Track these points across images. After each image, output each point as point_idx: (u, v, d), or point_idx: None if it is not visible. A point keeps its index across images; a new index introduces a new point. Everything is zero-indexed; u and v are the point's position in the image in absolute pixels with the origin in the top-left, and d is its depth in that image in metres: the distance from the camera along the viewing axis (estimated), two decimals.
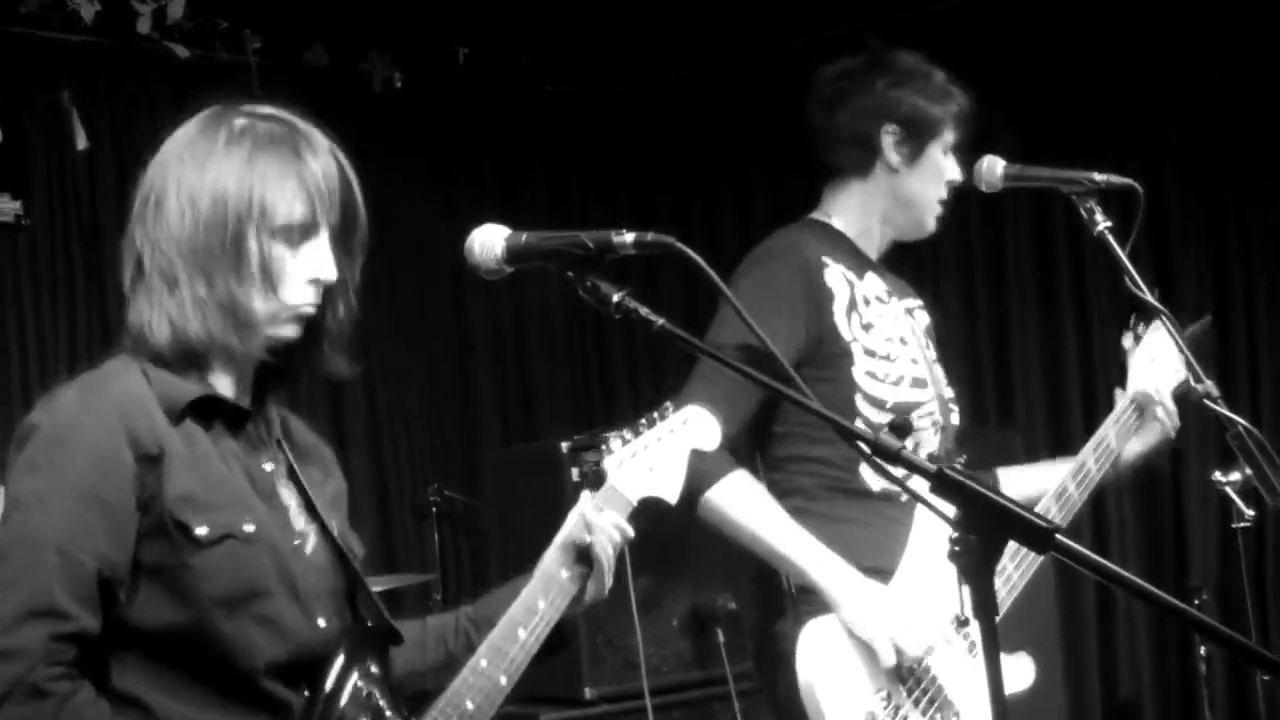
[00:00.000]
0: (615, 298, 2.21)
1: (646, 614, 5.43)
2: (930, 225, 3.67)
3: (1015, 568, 3.47)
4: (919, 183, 3.60)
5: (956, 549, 1.88)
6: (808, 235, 3.60)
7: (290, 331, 2.44)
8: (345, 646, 2.41)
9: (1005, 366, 7.01)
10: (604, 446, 2.78)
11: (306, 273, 2.42)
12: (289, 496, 2.50)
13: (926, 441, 3.58)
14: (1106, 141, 6.60)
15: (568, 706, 5.41)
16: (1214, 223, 6.48)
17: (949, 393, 3.71)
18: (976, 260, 7.11)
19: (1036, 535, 1.87)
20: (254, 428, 2.49)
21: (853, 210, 3.64)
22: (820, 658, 3.30)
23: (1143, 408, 3.62)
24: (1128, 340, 3.72)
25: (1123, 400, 3.63)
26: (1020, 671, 3.58)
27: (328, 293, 2.47)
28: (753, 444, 3.57)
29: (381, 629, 2.49)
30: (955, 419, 3.70)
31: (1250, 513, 5.33)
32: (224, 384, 2.46)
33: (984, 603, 1.89)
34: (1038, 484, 3.65)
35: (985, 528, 1.87)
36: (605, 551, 2.67)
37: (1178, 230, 6.51)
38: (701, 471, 3.30)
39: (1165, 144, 6.54)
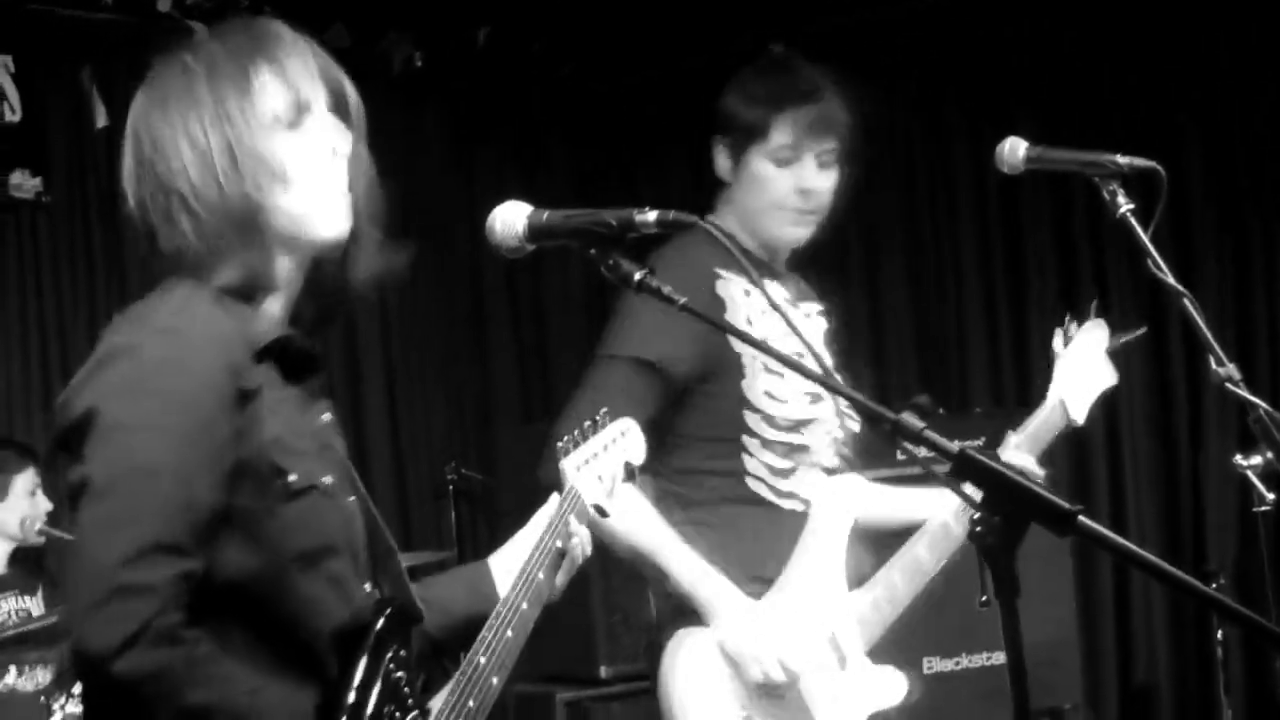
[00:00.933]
0: (636, 276, 2.21)
1: None
2: (782, 235, 3.56)
3: (887, 600, 3.45)
4: (743, 193, 3.53)
5: (979, 530, 1.88)
6: (700, 244, 3.33)
7: (337, 224, 2.32)
8: (383, 624, 2.30)
9: (1023, 347, 7.00)
10: (559, 448, 2.77)
11: (318, 149, 2.31)
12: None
13: (820, 455, 3.50)
14: (1125, 125, 6.58)
15: (583, 685, 5.43)
16: (1234, 205, 6.46)
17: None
18: (995, 241, 7.10)
19: (1059, 517, 1.86)
20: (314, 378, 2.36)
21: (728, 218, 3.58)
22: (687, 669, 3.29)
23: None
24: (1058, 341, 3.72)
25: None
26: (889, 686, 3.50)
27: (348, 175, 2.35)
28: (653, 456, 3.45)
29: (408, 606, 2.41)
30: (854, 425, 3.60)
31: (1271, 496, 5.31)
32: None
33: (1006, 585, 1.88)
34: (893, 511, 3.62)
35: (1009, 510, 1.87)
36: (577, 559, 2.69)
37: (1198, 213, 6.49)
38: None
39: (1185, 127, 6.52)
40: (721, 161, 3.55)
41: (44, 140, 6.68)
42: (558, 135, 8.24)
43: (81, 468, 2.10)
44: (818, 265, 3.79)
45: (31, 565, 5.93)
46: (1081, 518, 1.86)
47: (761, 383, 3.43)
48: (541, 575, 2.62)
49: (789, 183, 3.51)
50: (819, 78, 3.55)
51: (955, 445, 1.92)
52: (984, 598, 1.92)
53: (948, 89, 7.16)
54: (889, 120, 7.11)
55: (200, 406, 2.12)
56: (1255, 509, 5.38)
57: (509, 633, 2.55)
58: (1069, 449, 6.66)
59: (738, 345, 3.42)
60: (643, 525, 3.35)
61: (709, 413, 3.43)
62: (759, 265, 3.55)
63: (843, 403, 3.58)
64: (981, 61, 6.89)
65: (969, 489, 1.93)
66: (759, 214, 3.54)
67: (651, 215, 2.21)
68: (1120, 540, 1.92)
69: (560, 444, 2.77)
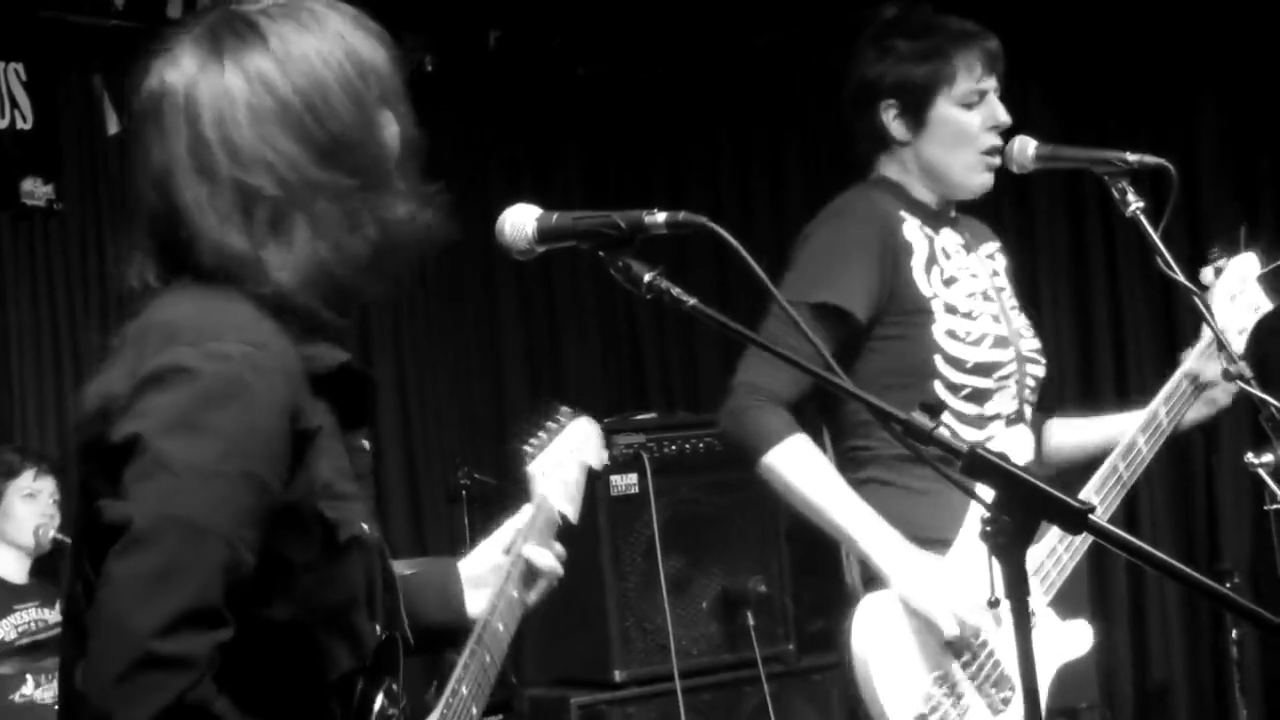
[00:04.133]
0: (646, 278, 2.20)
1: (676, 596, 5.44)
2: (973, 182, 3.53)
3: (1065, 549, 3.41)
4: (938, 148, 3.51)
5: (989, 529, 1.88)
6: (881, 191, 3.52)
7: None
8: (374, 664, 2.11)
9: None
10: (524, 451, 2.71)
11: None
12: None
13: (1002, 402, 3.46)
14: (1141, 120, 6.56)
15: (597, 689, 5.41)
16: (1248, 202, 6.44)
17: (1032, 344, 3.59)
18: (1008, 240, 7.07)
19: (1070, 516, 1.86)
20: (369, 411, 2.19)
21: (897, 177, 3.56)
22: (875, 635, 3.21)
23: (1196, 379, 3.54)
24: (1208, 275, 3.59)
25: (1175, 376, 3.54)
26: (1079, 636, 3.48)
27: None
28: (821, 412, 3.50)
29: (400, 636, 2.21)
30: (1039, 370, 3.59)
31: None
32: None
33: (1016, 583, 1.89)
34: (1100, 435, 3.63)
35: (1020, 508, 1.87)
36: (554, 576, 2.62)
37: (1211, 210, 6.47)
38: (763, 432, 3.29)
39: (1200, 122, 6.50)
40: (894, 124, 3.50)
41: (56, 147, 6.70)
42: (569, 138, 8.24)
43: (120, 506, 1.85)
44: None
45: (53, 576, 5.83)
46: (1092, 516, 1.86)
47: (945, 323, 3.42)
48: (515, 593, 2.54)
49: (980, 121, 3.49)
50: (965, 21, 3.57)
51: (965, 444, 1.92)
52: (994, 597, 1.91)
53: None
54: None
55: (258, 453, 1.89)
56: (1267, 507, 5.37)
57: (487, 657, 2.47)
58: None
59: (923, 286, 3.42)
60: (819, 481, 3.30)
61: (894, 357, 3.39)
62: (931, 214, 3.54)
63: (1028, 346, 3.58)
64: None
65: (982, 489, 1.94)
66: (950, 163, 3.51)
67: (660, 217, 2.21)
68: (1131, 539, 1.93)
69: (526, 448, 2.71)
